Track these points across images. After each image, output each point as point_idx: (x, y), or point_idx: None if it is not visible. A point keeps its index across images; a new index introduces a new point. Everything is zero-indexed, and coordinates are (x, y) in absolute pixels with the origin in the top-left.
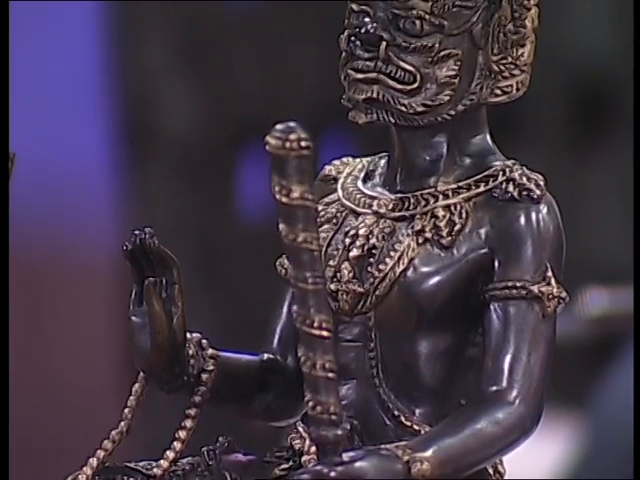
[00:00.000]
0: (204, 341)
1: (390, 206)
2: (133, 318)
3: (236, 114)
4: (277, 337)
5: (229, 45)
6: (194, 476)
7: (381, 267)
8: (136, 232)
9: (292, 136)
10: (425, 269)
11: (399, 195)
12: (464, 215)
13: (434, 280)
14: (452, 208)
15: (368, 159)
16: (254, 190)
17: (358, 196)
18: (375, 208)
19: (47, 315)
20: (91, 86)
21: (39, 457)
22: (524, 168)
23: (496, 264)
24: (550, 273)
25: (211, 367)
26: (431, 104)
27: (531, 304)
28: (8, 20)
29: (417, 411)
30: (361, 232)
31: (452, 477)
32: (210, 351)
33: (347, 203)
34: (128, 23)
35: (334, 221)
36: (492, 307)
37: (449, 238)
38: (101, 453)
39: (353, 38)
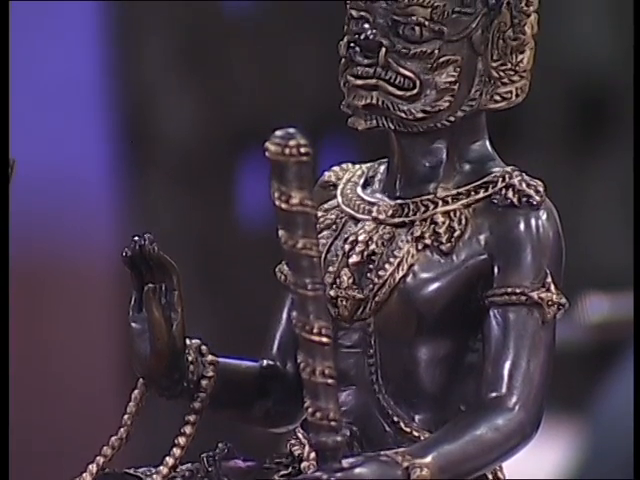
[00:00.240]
0: (204, 347)
1: (390, 212)
2: (133, 324)
3: (236, 120)
4: (276, 343)
5: (229, 51)
6: None
7: (380, 273)
8: (136, 238)
9: (292, 142)
10: (425, 275)
11: (399, 201)
12: (464, 221)
13: (434, 286)
14: (452, 214)
15: (367, 165)
16: (254, 196)
17: (357, 202)
18: (375, 214)
19: (47, 320)
20: (91, 89)
21: (39, 461)
22: (524, 174)
23: (496, 270)
24: (550, 279)
25: (211, 373)
26: (430, 110)
27: (531, 310)
28: (8, 20)
29: (417, 417)
30: (360, 238)
31: None
32: (210, 357)
33: (347, 209)
34: (128, 25)
35: (334, 227)
36: (492, 313)
37: (449, 244)
38: (100, 459)
39: (352, 44)
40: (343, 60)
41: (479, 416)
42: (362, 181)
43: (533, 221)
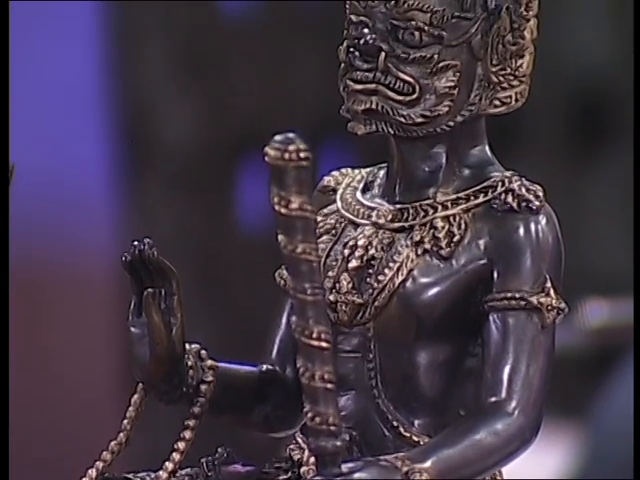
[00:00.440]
0: (203, 352)
1: (389, 217)
2: (132, 329)
3: (235, 124)
4: (276, 348)
5: (229, 56)
6: None
7: (380, 278)
8: (135, 243)
9: (291, 147)
10: (424, 280)
11: (398, 206)
12: (463, 226)
13: (433, 291)
14: (451, 219)
15: (367, 170)
16: (253, 201)
17: (357, 207)
18: (374, 219)
19: (47, 325)
20: (90, 93)
21: (39, 466)
22: (523, 179)
23: (495, 275)
24: (549, 284)
25: (210, 378)
26: (430, 115)
27: (530, 315)
28: (8, 20)
29: (416, 422)
30: (360, 243)
31: None
32: (209, 362)
33: (346, 214)
34: (128, 27)
35: (333, 232)
36: (491, 318)
37: (448, 249)
38: (100, 464)
39: (352, 49)
40: (342, 65)
41: (479, 421)
42: (361, 186)
43: (532, 226)
